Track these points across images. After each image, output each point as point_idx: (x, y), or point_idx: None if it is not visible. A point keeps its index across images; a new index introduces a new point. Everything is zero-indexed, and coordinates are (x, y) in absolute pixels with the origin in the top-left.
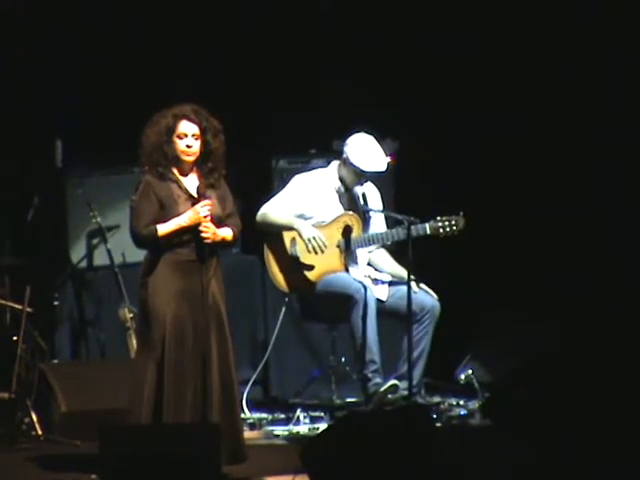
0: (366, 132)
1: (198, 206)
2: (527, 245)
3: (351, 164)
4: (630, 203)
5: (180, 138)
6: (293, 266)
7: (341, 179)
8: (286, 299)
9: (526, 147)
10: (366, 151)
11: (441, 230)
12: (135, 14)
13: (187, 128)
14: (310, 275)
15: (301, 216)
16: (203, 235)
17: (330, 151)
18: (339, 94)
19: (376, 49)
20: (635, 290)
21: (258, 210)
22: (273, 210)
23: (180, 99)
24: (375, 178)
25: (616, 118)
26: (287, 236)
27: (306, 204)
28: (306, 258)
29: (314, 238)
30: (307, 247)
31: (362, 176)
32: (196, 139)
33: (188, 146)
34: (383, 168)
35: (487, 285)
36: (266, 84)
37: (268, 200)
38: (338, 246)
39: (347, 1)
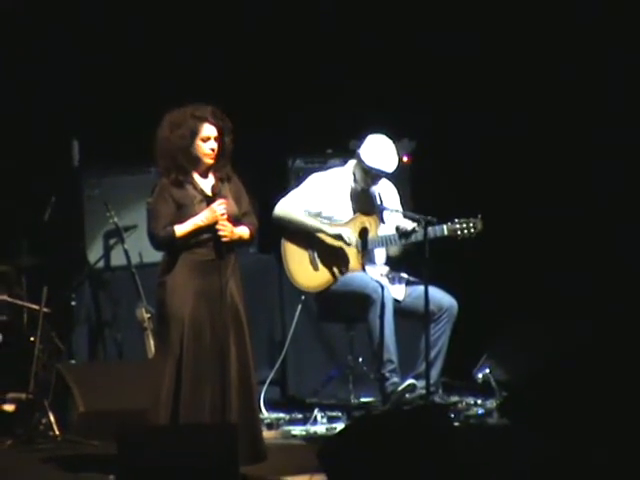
0: (383, 132)
1: (214, 205)
2: (537, 245)
3: (360, 160)
4: (630, 203)
5: (204, 141)
6: (311, 264)
7: (355, 178)
8: (302, 297)
9: (526, 147)
10: (377, 150)
11: (459, 232)
12: (135, 14)
13: (210, 131)
14: (328, 275)
15: (318, 214)
16: (220, 234)
17: (347, 151)
18: (356, 93)
19: (377, 49)
20: (635, 290)
21: (274, 209)
22: (293, 207)
23: (186, 98)
24: (387, 177)
25: (616, 118)
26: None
27: (322, 203)
28: (324, 259)
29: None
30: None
31: (369, 174)
32: (216, 141)
33: (212, 149)
34: (389, 169)
35: (505, 284)
36: (283, 83)
37: (284, 196)
38: (355, 246)
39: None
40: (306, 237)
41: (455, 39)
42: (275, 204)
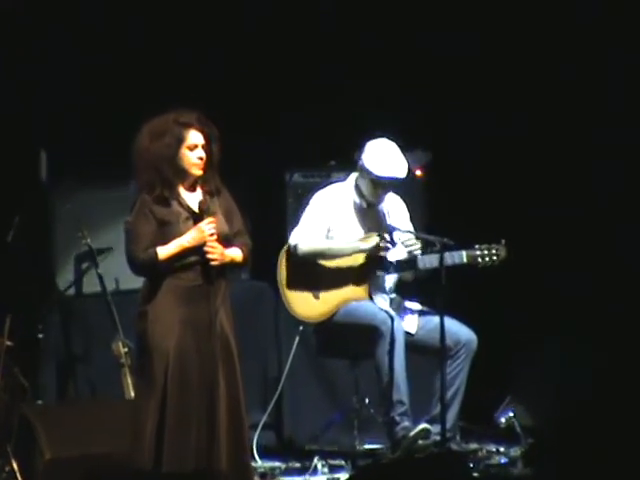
0: (389, 139)
1: (202, 224)
2: (572, 269)
3: (366, 170)
4: (630, 203)
5: (190, 150)
6: (311, 291)
7: (361, 193)
8: (300, 328)
9: (526, 147)
10: (382, 156)
11: (480, 260)
12: (135, 14)
13: (197, 138)
14: (330, 304)
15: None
16: (209, 256)
17: (352, 163)
18: (362, 98)
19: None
20: (635, 290)
21: (294, 246)
22: (315, 238)
23: (179, 104)
24: (397, 186)
25: (616, 118)
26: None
27: (330, 224)
28: (327, 286)
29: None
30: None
31: (379, 185)
32: (203, 149)
33: (200, 158)
34: (402, 175)
35: (530, 314)
36: (277, 89)
37: (294, 226)
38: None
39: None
40: (306, 261)
41: (455, 39)
42: (269, 225)
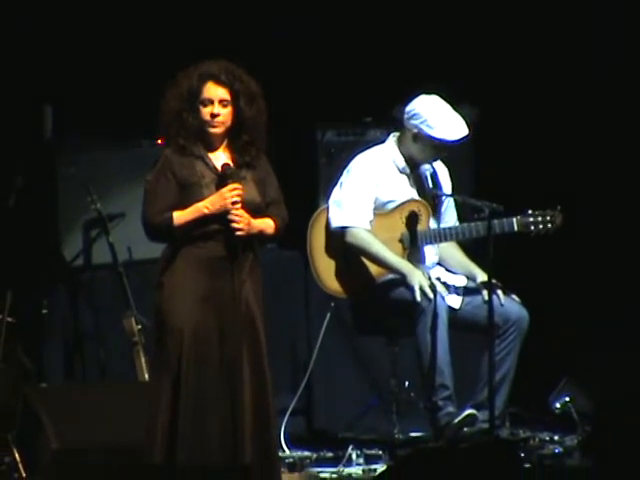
0: (433, 93)
1: (225, 189)
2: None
3: (429, 137)
4: None
5: (204, 105)
6: (347, 263)
7: (408, 156)
8: (332, 304)
9: (591, 100)
10: (442, 117)
11: (532, 227)
12: None
13: (213, 92)
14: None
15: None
16: (234, 226)
17: (391, 120)
18: (401, 46)
19: None
20: None
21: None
22: (369, 231)
23: (199, 52)
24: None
25: None
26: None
27: (377, 194)
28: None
29: (430, 285)
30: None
31: (441, 149)
32: (224, 106)
33: (213, 115)
34: (466, 133)
35: (588, 288)
36: (305, 36)
37: (326, 188)
38: (401, 240)
39: None
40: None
41: None
42: (298, 189)
